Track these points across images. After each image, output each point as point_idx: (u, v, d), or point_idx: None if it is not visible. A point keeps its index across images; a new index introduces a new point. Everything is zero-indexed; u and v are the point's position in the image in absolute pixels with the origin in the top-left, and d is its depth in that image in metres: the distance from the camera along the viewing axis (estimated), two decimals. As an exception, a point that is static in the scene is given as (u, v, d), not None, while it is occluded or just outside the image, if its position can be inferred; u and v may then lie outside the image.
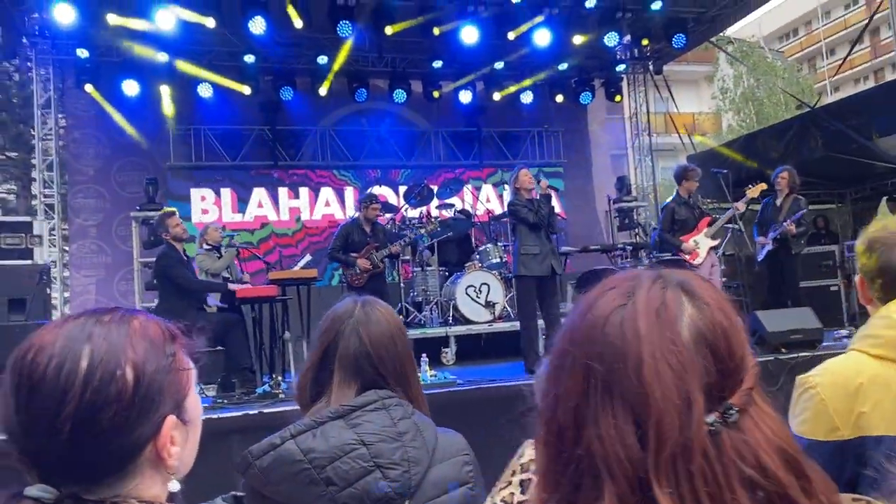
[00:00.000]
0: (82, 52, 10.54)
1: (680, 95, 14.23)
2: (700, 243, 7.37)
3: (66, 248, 11.51)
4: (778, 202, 7.83)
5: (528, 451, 1.38)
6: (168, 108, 11.03)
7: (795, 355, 5.61)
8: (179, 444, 1.01)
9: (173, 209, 7.49)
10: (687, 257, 7.30)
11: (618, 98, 13.14)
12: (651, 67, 13.15)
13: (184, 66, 10.78)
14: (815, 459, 0.80)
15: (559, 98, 12.84)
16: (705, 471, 0.72)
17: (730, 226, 7.82)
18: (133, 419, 0.94)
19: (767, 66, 25.26)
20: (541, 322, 6.80)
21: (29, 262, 6.11)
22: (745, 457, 0.73)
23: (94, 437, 0.92)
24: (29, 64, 11.48)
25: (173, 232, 6.44)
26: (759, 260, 8.04)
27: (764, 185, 7.59)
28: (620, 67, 12.95)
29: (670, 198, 7.80)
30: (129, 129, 11.24)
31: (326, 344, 1.77)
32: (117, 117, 11.15)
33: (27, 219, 6.58)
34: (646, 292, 0.80)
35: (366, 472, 1.59)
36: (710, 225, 7.44)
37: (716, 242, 7.49)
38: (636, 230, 11.33)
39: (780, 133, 10.81)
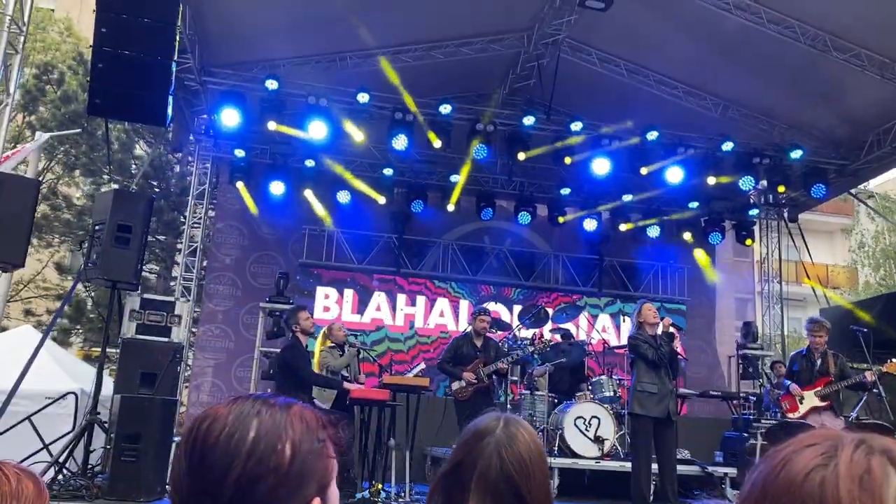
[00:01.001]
0: (239, 152, 11.50)
1: (814, 246, 13.70)
2: (805, 399, 6.89)
3: (194, 330, 12.13)
4: None
5: None
6: (320, 209, 11.74)
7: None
8: None
9: (304, 305, 7.80)
10: (785, 407, 6.88)
11: (749, 242, 12.81)
12: (786, 214, 12.82)
13: (331, 165, 11.50)
14: None
15: (687, 236, 12.67)
16: None
17: (863, 392, 7.24)
18: (285, 494, 1.02)
19: (910, 223, 23.98)
20: (654, 466, 6.45)
21: (166, 339, 6.46)
22: None
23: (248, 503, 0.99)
24: (190, 158, 12.61)
25: (303, 325, 6.69)
26: None
27: None
28: (753, 212, 12.72)
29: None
30: (267, 227, 12.00)
31: (461, 458, 1.74)
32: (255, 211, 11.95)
33: (171, 299, 7.02)
34: (849, 455, 0.77)
35: None
36: (825, 386, 6.91)
37: (823, 404, 6.92)
38: (760, 380, 10.72)
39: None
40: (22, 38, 5.25)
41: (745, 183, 10.67)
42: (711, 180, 10.94)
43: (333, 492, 1.13)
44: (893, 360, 7.00)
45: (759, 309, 13.42)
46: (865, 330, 7.53)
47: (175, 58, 5.44)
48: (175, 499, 1.05)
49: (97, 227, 6.03)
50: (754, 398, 9.43)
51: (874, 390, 7.05)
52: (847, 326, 7.62)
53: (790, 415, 6.84)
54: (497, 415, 1.84)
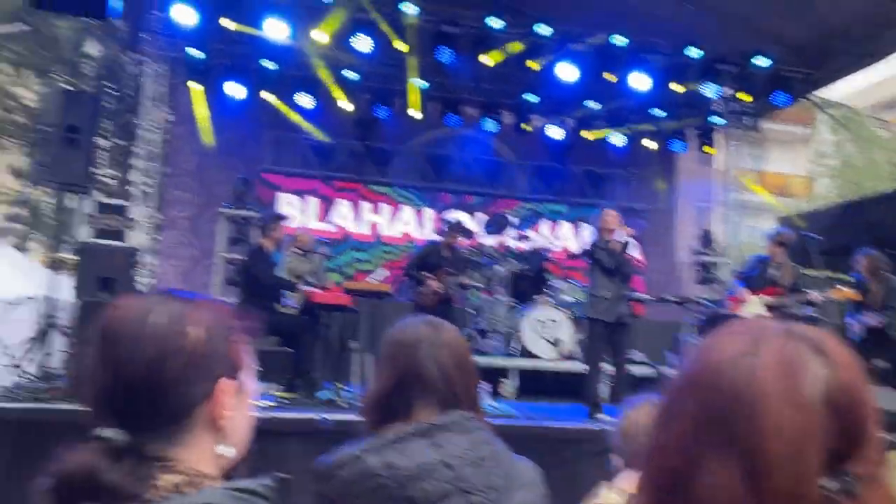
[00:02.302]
0: (195, 52, 11.07)
1: (773, 155, 13.85)
2: (752, 304, 7.07)
3: (158, 237, 12.00)
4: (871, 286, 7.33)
5: (603, 493, 1.36)
6: (291, 112, 11.46)
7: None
8: (232, 409, 1.13)
9: (285, 216, 7.67)
10: (729, 307, 7.13)
11: (709, 150, 12.89)
12: (748, 123, 12.87)
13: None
14: None
15: (649, 143, 12.69)
16: None
17: (807, 311, 7.37)
18: (192, 374, 1.09)
19: (870, 135, 24.34)
20: (608, 367, 6.69)
21: (121, 243, 6.39)
22: None
23: (158, 384, 1.07)
24: (145, 58, 12.11)
25: (276, 235, 6.64)
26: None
27: (853, 295, 7.12)
28: (716, 119, 12.73)
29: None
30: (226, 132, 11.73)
31: (401, 365, 1.78)
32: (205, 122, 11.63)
33: (124, 202, 6.90)
34: (775, 344, 0.79)
35: (446, 495, 1.59)
36: (775, 296, 7.05)
37: (767, 314, 7.09)
38: (715, 285, 11.04)
39: (876, 206, 10.38)
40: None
41: (710, 90, 10.64)
42: (677, 87, 10.89)
43: (247, 375, 1.19)
44: (840, 286, 7.15)
45: (718, 217, 13.66)
46: (819, 237, 7.70)
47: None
48: (91, 392, 1.10)
49: (44, 129, 5.83)
50: (709, 303, 9.71)
51: (804, 310, 7.16)
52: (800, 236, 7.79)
53: (734, 311, 7.03)
54: (417, 319, 1.88)
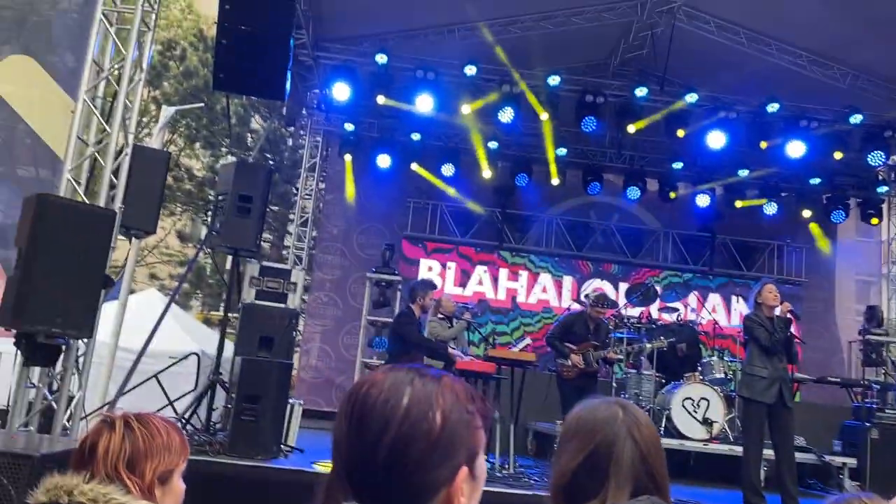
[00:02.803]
0: (348, 126, 11.75)
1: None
2: None
3: (304, 297, 12.58)
4: None
5: None
6: (433, 178, 11.89)
7: None
8: (467, 497, 1.11)
9: (435, 284, 7.84)
10: None
11: (875, 221, 12.02)
12: (918, 192, 11.94)
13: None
14: None
15: (806, 213, 12.01)
16: None
17: None
18: (436, 459, 1.08)
19: None
20: (768, 452, 6.23)
21: (283, 305, 6.73)
22: None
23: (403, 466, 1.06)
24: (303, 132, 13.00)
25: (426, 302, 6.77)
26: None
27: None
28: (882, 189, 11.90)
29: None
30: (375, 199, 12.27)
31: (593, 442, 1.72)
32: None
33: (287, 267, 7.30)
34: None
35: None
36: None
37: None
38: (885, 368, 10.11)
39: None
40: (154, 16, 5.53)
41: (875, 158, 10.00)
42: (837, 155, 10.30)
43: (481, 463, 1.16)
44: None
45: (884, 292, 12.60)
46: None
47: (293, 34, 5.58)
48: (337, 460, 1.12)
49: (220, 197, 6.33)
50: (878, 386, 8.90)
51: None
52: None
53: None
54: (607, 399, 1.82)
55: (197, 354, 7.75)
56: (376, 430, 1.08)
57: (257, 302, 6.73)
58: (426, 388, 1.13)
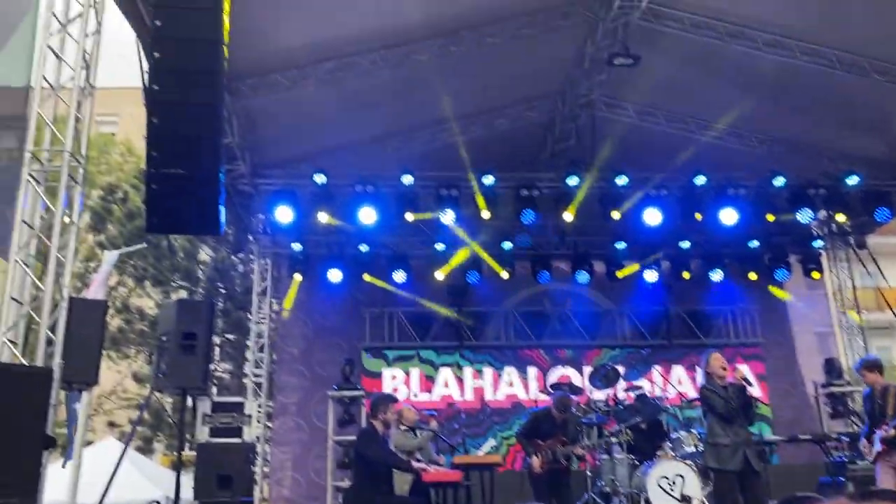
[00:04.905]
0: (296, 246, 11.84)
1: (888, 269, 13.11)
2: (876, 443, 6.52)
3: (269, 425, 12.27)
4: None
5: None
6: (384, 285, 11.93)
7: None
8: None
9: (396, 398, 7.74)
10: (864, 450, 6.53)
11: (816, 275, 12.39)
12: (853, 241, 12.39)
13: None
14: None
15: (752, 276, 12.33)
16: None
17: None
18: None
19: None
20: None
21: (238, 440, 6.57)
22: None
23: None
24: (251, 257, 13.04)
25: (388, 416, 6.63)
26: None
27: None
28: (818, 243, 12.33)
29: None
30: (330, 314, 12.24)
31: None
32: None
33: (240, 399, 7.19)
34: None
35: None
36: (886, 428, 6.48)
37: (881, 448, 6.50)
38: (852, 418, 10.18)
39: None
40: (81, 171, 5.62)
41: (804, 216, 10.41)
42: (770, 217, 10.70)
43: None
44: None
45: (840, 342, 12.84)
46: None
47: (222, 170, 5.71)
48: None
49: (163, 338, 6.27)
50: (847, 438, 8.92)
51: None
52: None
53: (867, 458, 6.52)
54: None
55: (158, 502, 7.47)
56: None
57: (212, 440, 6.57)
58: None
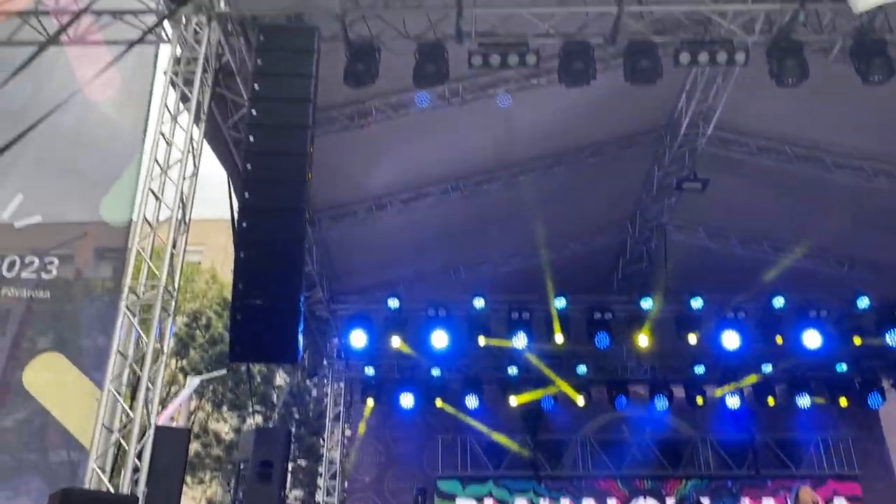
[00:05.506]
0: (368, 370, 11.96)
1: None
2: None
3: (342, 556, 11.97)
4: None
5: None
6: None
7: None
8: None
9: None
10: None
11: (915, 400, 11.65)
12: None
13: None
14: None
15: (843, 401, 11.69)
16: None
17: None
18: None
19: None
20: None
21: (311, 573, 6.46)
22: None
23: None
24: (325, 381, 13.19)
25: None
26: None
27: None
28: (911, 367, 11.68)
29: None
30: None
31: None
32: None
33: (313, 529, 7.08)
34: None
35: None
36: None
37: None
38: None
39: None
40: (173, 303, 5.95)
41: (893, 339, 9.95)
42: (857, 340, 10.26)
43: None
44: None
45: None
46: None
47: (302, 300, 5.95)
48: None
49: (242, 465, 6.36)
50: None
51: None
52: None
53: None
54: None
55: None
56: None
57: (286, 572, 6.48)
58: None
